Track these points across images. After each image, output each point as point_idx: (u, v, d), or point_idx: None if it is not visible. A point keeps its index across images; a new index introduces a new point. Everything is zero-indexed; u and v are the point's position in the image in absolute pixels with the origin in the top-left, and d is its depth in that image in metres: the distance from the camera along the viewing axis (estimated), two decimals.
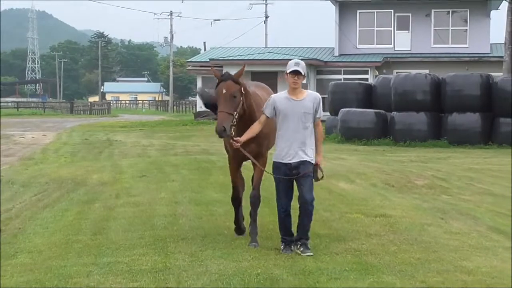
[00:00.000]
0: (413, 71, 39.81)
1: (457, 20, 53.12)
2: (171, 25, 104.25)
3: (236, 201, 11.04)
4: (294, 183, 9.85)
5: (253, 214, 10.47)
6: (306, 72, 9.79)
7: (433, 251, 10.22)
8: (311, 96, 9.88)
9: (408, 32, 52.98)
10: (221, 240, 10.70)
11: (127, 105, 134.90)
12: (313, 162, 9.80)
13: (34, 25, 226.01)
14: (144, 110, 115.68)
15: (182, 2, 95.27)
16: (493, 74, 34.47)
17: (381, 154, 27.79)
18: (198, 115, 56.61)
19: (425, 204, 14.79)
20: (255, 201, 10.47)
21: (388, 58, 51.63)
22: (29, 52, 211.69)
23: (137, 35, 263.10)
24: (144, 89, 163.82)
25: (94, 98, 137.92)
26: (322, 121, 10.28)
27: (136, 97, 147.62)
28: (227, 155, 11.21)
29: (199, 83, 59.39)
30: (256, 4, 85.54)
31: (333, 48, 54.55)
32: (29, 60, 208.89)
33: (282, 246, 9.85)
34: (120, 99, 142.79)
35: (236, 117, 9.79)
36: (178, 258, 9.74)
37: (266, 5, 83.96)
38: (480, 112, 31.19)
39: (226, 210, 12.09)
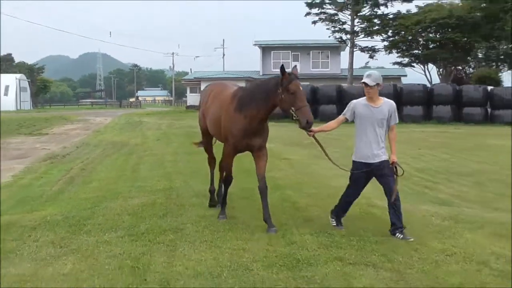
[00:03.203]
0: (302, 84, 39.85)
1: (323, 56, 53.56)
2: (173, 59, 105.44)
3: (229, 182, 7.12)
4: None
5: (264, 202, 6.53)
6: (380, 81, 6.23)
7: (313, 177, 10.27)
8: (387, 103, 6.28)
9: (299, 62, 52.91)
10: (203, 173, 10.46)
11: (150, 102, 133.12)
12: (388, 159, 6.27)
13: (100, 60, 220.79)
14: (159, 105, 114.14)
15: (179, 47, 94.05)
16: (342, 84, 34.83)
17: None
18: (188, 107, 56.19)
19: (310, 153, 14.83)
20: (265, 190, 6.60)
21: None
22: (97, 75, 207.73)
23: (155, 65, 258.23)
24: (159, 94, 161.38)
25: (133, 99, 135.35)
26: None
27: (155, 98, 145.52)
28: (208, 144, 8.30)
29: (188, 90, 58.90)
30: (218, 48, 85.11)
31: (259, 70, 54.37)
32: (97, 79, 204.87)
33: (333, 220, 6.61)
34: (146, 99, 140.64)
35: None
36: (177, 183, 9.65)
37: (223, 48, 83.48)
38: (336, 104, 31.32)
39: (204, 157, 11.86)
